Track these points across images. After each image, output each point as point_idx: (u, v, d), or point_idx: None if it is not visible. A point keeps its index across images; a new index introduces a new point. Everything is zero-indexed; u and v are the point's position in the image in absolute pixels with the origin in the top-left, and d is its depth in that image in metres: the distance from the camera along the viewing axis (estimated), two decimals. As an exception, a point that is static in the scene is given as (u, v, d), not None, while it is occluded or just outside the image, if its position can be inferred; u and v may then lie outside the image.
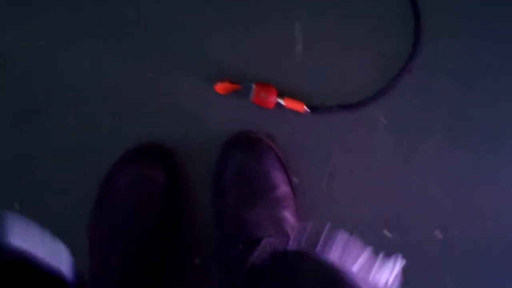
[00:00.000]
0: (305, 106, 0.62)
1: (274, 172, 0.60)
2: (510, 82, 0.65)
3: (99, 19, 0.65)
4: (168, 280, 0.61)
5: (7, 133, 0.64)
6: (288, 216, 0.59)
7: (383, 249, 0.63)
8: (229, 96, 0.63)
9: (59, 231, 0.51)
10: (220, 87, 0.61)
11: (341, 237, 0.49)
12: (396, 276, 0.50)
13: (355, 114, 0.64)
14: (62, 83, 0.64)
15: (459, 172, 0.64)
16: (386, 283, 0.49)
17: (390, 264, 0.51)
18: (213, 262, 0.61)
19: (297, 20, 0.64)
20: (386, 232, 0.64)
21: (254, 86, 0.61)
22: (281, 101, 0.62)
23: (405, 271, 0.63)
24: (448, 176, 0.64)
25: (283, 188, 0.60)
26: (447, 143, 0.64)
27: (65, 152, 0.64)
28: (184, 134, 0.64)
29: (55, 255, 0.42)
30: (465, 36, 0.65)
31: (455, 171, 0.64)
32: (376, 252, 0.63)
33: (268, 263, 0.50)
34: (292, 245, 0.56)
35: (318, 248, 0.49)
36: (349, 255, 0.48)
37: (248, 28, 0.64)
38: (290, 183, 0.62)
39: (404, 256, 0.63)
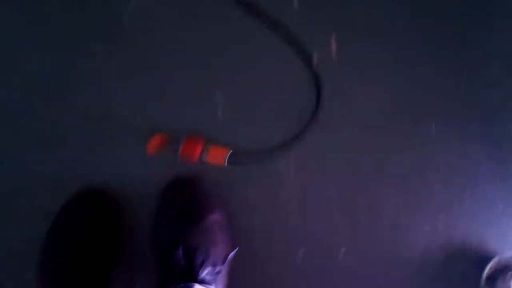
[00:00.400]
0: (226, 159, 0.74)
1: (207, 203, 0.72)
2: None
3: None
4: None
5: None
6: (220, 239, 0.71)
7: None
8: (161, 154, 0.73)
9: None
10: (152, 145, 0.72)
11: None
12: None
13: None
14: None
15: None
16: None
17: None
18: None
19: (218, 88, 0.75)
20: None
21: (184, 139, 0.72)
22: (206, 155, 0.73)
23: None
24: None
25: (216, 216, 0.72)
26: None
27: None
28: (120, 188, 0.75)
29: None
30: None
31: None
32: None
33: None
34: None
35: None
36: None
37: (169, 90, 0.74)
38: (221, 211, 0.74)
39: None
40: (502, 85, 0.76)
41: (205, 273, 0.65)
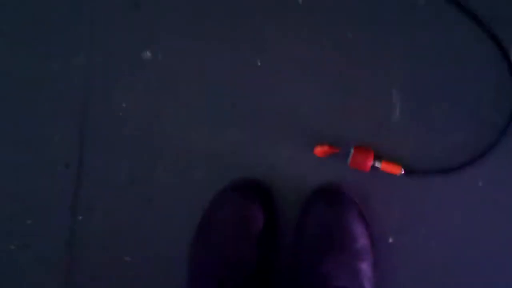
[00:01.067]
0: (401, 169, 0.64)
1: (354, 225, 0.62)
2: None
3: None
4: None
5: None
6: (366, 268, 0.61)
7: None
8: (327, 160, 0.65)
9: None
10: (319, 150, 0.64)
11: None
12: None
13: (452, 178, 0.64)
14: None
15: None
16: None
17: None
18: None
19: (393, 86, 0.66)
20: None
21: (352, 149, 0.64)
22: (378, 164, 0.64)
23: None
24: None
25: (362, 241, 0.62)
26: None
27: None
28: (279, 190, 0.67)
29: None
30: None
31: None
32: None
33: None
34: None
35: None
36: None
37: (345, 93, 0.66)
38: (370, 236, 0.64)
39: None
40: None
41: None
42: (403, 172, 0.64)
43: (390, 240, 0.65)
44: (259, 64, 0.67)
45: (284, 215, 0.67)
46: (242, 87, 0.67)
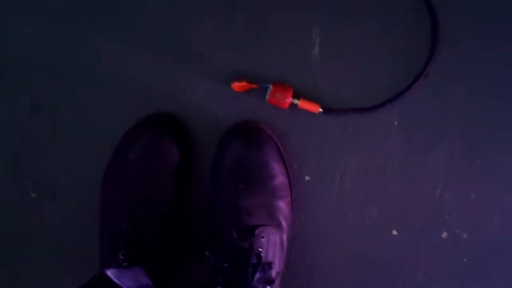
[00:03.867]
0: (319, 108, 0.64)
1: (272, 162, 0.62)
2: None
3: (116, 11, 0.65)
4: (175, 265, 0.64)
5: (23, 122, 0.66)
6: (283, 206, 0.61)
7: (391, 248, 0.66)
8: (244, 95, 0.64)
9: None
10: (237, 86, 0.62)
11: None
12: None
13: (369, 117, 0.65)
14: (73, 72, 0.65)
15: (469, 178, 0.65)
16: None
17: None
18: (205, 244, 0.63)
19: (314, 23, 0.65)
20: (394, 232, 0.66)
21: (271, 86, 0.63)
22: (296, 102, 0.63)
23: (411, 271, 0.66)
24: (458, 181, 0.66)
25: (280, 178, 0.62)
26: (459, 149, 0.65)
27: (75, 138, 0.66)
28: (193, 125, 0.65)
29: None
30: (485, 43, 0.64)
31: (465, 176, 0.65)
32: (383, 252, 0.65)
33: None
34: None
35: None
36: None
37: (265, 29, 0.65)
38: (287, 174, 0.64)
39: (410, 256, 0.66)
40: None
41: (256, 277, 0.55)
42: (321, 111, 0.64)
43: (307, 178, 0.66)
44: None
45: (199, 152, 0.65)
46: (157, 22, 0.64)
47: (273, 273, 0.58)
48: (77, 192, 0.66)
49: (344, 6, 0.64)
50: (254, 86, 0.63)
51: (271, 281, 0.57)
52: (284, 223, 0.61)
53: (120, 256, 0.56)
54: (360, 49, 0.65)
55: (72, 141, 0.65)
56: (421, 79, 0.64)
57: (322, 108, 0.64)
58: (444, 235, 0.66)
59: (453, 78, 0.65)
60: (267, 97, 0.63)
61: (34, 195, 0.66)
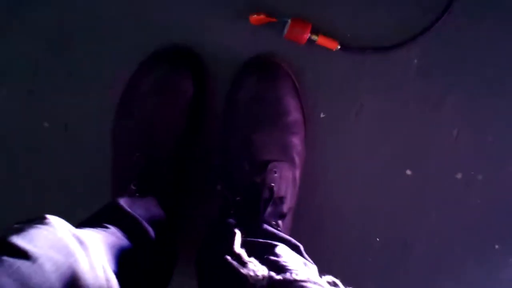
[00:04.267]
0: (337, 45, 0.63)
1: (288, 98, 0.61)
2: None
3: None
4: (186, 199, 0.65)
5: (40, 58, 0.66)
6: (297, 142, 0.61)
7: (404, 188, 0.66)
8: (262, 29, 0.63)
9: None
10: (255, 19, 0.61)
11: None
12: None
13: (388, 56, 0.64)
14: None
15: (487, 119, 0.64)
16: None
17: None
18: (217, 179, 0.64)
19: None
20: (408, 172, 0.66)
21: (289, 21, 0.62)
22: (315, 38, 0.62)
23: (425, 212, 0.66)
24: (476, 123, 0.65)
25: (295, 115, 0.62)
26: (478, 90, 0.64)
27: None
28: (210, 57, 0.64)
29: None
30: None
31: (483, 118, 0.64)
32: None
33: None
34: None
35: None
36: None
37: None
38: (302, 110, 0.63)
39: (423, 197, 0.66)
40: None
41: (268, 211, 0.56)
42: (339, 48, 0.63)
43: (322, 115, 0.65)
44: None
45: (214, 85, 0.65)
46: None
47: (285, 208, 0.59)
48: (88, 124, 0.67)
49: None
50: (273, 19, 0.62)
51: (282, 216, 0.58)
52: (297, 159, 0.61)
53: (132, 187, 0.57)
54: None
55: (85, 77, 0.66)
56: (444, 17, 0.62)
57: (341, 45, 0.63)
58: (459, 175, 0.66)
59: (476, 17, 0.62)
60: (285, 32, 0.62)
61: (47, 124, 0.67)
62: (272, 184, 0.57)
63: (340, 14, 0.63)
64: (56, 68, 0.66)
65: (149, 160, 0.58)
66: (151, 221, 0.54)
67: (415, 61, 0.64)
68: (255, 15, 0.62)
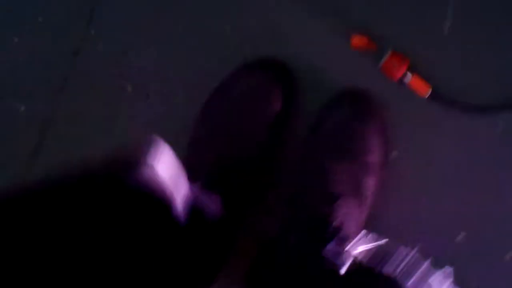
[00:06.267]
0: (429, 90, 0.61)
1: (374, 137, 0.59)
2: None
3: None
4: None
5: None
6: (372, 184, 0.59)
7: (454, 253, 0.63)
8: (359, 55, 0.62)
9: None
10: (357, 41, 0.60)
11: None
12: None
13: (474, 117, 0.61)
14: None
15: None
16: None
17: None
18: (282, 202, 0.61)
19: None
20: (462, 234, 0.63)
21: (389, 52, 0.60)
22: (409, 76, 0.60)
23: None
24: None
25: (377, 156, 0.60)
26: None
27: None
28: (301, 76, 0.63)
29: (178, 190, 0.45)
30: None
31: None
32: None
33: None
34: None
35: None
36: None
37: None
38: (386, 153, 0.61)
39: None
40: None
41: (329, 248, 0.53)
42: (429, 94, 0.61)
43: (399, 161, 0.63)
44: None
45: (303, 103, 0.64)
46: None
47: (345, 246, 0.55)
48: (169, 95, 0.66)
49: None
50: (373, 47, 0.61)
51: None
52: (368, 201, 0.59)
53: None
54: (495, 37, 0.61)
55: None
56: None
57: (432, 92, 0.61)
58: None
59: None
60: (381, 63, 0.60)
61: (130, 89, 0.67)
62: (339, 220, 0.55)
63: (444, 58, 0.62)
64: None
65: (221, 163, 0.57)
66: (196, 210, 0.52)
67: (500, 129, 0.61)
68: (358, 37, 0.60)
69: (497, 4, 0.61)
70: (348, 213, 0.56)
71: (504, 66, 0.61)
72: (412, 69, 0.60)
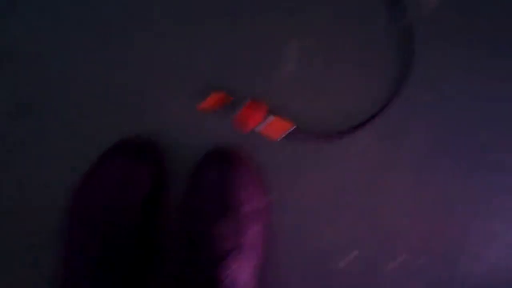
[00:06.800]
0: (292, 126, 0.65)
1: (246, 188, 0.62)
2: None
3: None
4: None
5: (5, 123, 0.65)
6: (255, 231, 0.61)
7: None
8: (214, 116, 0.66)
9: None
10: (211, 100, 0.63)
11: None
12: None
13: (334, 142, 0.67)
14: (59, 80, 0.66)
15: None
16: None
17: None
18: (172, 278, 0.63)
19: (292, 36, 0.67)
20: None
21: (246, 102, 0.64)
22: (270, 119, 0.64)
23: None
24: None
25: (254, 204, 0.62)
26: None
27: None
28: (165, 148, 0.66)
29: None
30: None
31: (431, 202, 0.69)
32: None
33: None
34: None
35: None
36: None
37: (241, 42, 0.67)
38: (262, 199, 0.64)
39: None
40: None
41: None
42: (291, 130, 0.65)
43: (279, 203, 0.67)
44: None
45: (173, 173, 0.66)
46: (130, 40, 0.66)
47: None
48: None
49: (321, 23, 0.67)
50: (229, 100, 0.64)
51: None
52: (256, 248, 0.61)
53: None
54: (337, 71, 0.67)
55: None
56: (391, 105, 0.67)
57: (295, 128, 0.65)
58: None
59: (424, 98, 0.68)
60: (235, 115, 0.64)
61: None
62: (231, 278, 0.56)
63: (290, 96, 0.67)
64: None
65: (106, 250, 0.56)
66: None
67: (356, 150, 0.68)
68: (213, 95, 0.63)
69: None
70: (239, 266, 0.57)
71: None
72: (274, 112, 0.65)
